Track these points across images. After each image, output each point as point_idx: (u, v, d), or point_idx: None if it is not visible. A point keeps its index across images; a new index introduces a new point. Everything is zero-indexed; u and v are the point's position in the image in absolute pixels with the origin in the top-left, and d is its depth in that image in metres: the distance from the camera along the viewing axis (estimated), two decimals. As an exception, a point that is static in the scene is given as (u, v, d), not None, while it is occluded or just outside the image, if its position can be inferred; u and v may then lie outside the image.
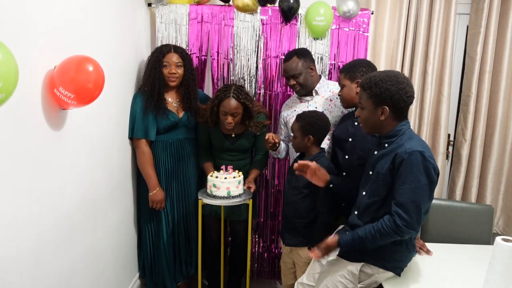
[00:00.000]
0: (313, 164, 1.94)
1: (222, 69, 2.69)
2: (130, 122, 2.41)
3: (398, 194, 1.63)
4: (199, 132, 2.55)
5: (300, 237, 2.16)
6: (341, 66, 2.69)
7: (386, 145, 1.74)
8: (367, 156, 1.89)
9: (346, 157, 2.15)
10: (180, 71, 2.41)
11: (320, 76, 2.44)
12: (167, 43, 2.58)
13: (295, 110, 2.39)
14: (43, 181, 1.51)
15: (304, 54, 2.35)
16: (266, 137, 2.24)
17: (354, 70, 2.11)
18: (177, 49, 2.42)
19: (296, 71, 2.30)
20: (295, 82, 2.33)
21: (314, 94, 2.40)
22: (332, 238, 1.76)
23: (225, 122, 2.33)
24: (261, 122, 2.45)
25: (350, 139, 2.14)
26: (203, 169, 2.50)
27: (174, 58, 2.38)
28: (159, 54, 2.37)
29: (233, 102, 2.29)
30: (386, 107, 1.67)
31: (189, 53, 2.63)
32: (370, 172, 1.79)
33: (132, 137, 2.41)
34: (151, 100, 2.36)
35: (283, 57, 2.51)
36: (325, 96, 2.38)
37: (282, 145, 2.41)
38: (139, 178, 2.53)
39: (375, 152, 1.79)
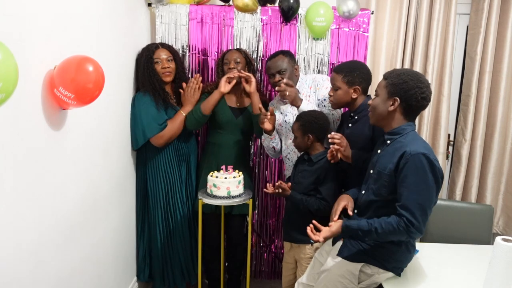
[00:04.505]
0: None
1: (222, 69, 2.69)
2: (136, 128, 2.34)
3: (403, 197, 1.61)
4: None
5: (304, 234, 2.15)
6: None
7: (388, 141, 1.74)
8: (369, 156, 1.89)
9: None
10: (172, 65, 2.42)
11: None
12: (167, 43, 2.58)
13: (281, 113, 2.40)
14: (43, 181, 1.51)
15: (289, 53, 2.38)
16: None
17: (354, 75, 2.03)
18: (164, 45, 2.44)
19: (282, 67, 2.31)
20: (280, 78, 2.29)
21: None
22: (336, 223, 1.72)
23: (227, 71, 2.43)
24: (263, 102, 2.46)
25: None
26: (203, 112, 2.39)
27: (163, 53, 2.39)
28: (148, 52, 2.37)
29: (235, 51, 2.49)
30: (398, 99, 1.68)
31: (189, 53, 2.64)
32: (371, 171, 1.79)
33: (148, 137, 2.33)
34: (158, 96, 2.35)
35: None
36: (305, 93, 2.34)
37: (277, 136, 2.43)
38: (144, 180, 2.49)
39: (378, 151, 1.79)
